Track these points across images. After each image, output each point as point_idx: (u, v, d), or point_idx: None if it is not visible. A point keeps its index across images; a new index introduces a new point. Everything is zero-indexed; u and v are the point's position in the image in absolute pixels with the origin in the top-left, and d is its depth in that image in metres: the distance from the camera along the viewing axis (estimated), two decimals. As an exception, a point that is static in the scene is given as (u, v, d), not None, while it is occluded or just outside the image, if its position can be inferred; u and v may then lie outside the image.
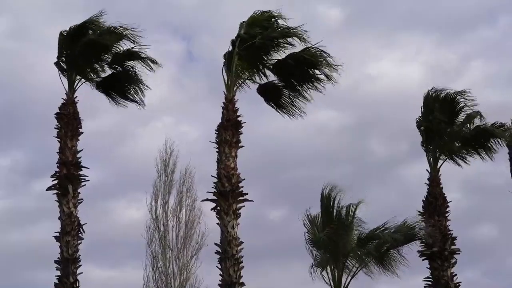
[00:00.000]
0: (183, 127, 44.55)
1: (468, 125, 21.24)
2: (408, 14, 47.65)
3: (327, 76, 19.61)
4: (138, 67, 20.69)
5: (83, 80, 20.54)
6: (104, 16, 20.01)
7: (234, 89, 19.63)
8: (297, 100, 20.42)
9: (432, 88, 21.26)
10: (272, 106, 20.73)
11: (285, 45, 19.69)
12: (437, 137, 20.91)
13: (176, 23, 48.91)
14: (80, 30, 20.03)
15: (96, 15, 19.97)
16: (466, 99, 21.19)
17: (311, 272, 19.81)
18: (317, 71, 19.74)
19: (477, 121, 21.17)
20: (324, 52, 19.38)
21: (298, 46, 19.55)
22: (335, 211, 20.17)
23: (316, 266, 19.94)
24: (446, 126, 21.05)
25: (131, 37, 20.12)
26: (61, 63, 20.36)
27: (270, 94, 20.62)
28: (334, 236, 19.62)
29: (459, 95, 21.16)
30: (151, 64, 20.49)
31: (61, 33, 20.20)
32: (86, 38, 19.93)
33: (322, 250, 19.85)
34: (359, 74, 44.30)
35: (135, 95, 21.07)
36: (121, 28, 20.12)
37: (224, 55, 19.78)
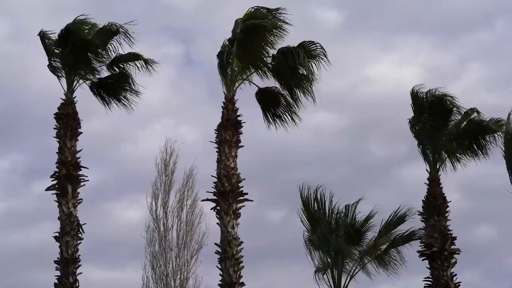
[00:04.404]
0: (182, 129, 44.63)
1: (465, 122, 21.14)
2: (405, 17, 47.85)
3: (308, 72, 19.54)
4: (135, 68, 20.69)
5: (81, 80, 20.54)
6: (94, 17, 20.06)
7: (234, 88, 19.63)
8: (294, 105, 20.35)
9: (415, 87, 21.12)
10: (269, 117, 20.63)
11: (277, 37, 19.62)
12: (433, 137, 20.86)
13: (175, 26, 49.01)
14: (70, 30, 19.88)
15: (83, 17, 19.94)
16: (454, 99, 21.06)
17: (315, 277, 19.92)
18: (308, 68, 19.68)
19: (474, 117, 21.06)
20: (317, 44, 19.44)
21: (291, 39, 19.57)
22: (327, 212, 20.17)
23: (319, 271, 20.00)
24: (440, 126, 20.94)
25: (123, 35, 20.14)
26: (54, 64, 20.35)
27: (268, 103, 20.52)
28: (326, 237, 19.64)
29: (447, 97, 20.99)
30: (149, 66, 20.50)
31: (42, 33, 20.04)
32: (76, 38, 19.79)
33: (319, 251, 19.89)
34: (357, 76, 44.48)
35: (128, 99, 21.05)
36: (113, 27, 20.11)
37: (218, 55, 19.75)
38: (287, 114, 20.56)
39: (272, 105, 20.56)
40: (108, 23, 20.11)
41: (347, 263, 20.08)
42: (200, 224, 31.51)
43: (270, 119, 20.65)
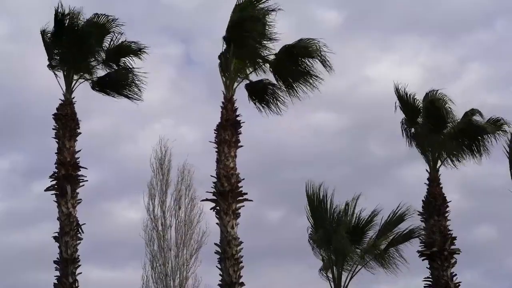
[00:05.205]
0: (182, 129, 44.64)
1: (464, 123, 21.12)
2: (405, 17, 47.83)
3: (323, 63, 19.50)
4: (134, 62, 20.66)
5: (80, 80, 20.45)
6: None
7: (233, 88, 19.62)
8: (288, 97, 20.35)
9: (400, 88, 21.18)
10: (254, 103, 20.64)
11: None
12: (431, 138, 20.83)
13: (175, 26, 49.03)
14: (63, 26, 19.83)
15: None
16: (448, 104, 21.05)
17: (321, 275, 19.93)
18: (310, 64, 19.72)
19: (477, 119, 21.06)
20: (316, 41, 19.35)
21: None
22: (328, 211, 20.16)
23: (323, 269, 20.00)
24: (437, 128, 20.91)
25: (114, 27, 20.12)
26: (53, 64, 20.23)
27: (256, 92, 20.55)
28: (327, 236, 19.63)
29: (444, 102, 20.98)
30: (140, 53, 20.41)
31: (42, 32, 19.96)
32: (72, 32, 19.71)
33: (323, 249, 19.89)
34: (357, 76, 44.46)
35: (132, 91, 20.98)
36: (100, 18, 19.98)
37: (219, 56, 19.70)
38: (272, 104, 20.58)
39: (259, 94, 20.55)
40: (94, 14, 19.97)
41: (348, 262, 20.06)
42: (200, 223, 31.45)
43: (257, 105, 20.67)
